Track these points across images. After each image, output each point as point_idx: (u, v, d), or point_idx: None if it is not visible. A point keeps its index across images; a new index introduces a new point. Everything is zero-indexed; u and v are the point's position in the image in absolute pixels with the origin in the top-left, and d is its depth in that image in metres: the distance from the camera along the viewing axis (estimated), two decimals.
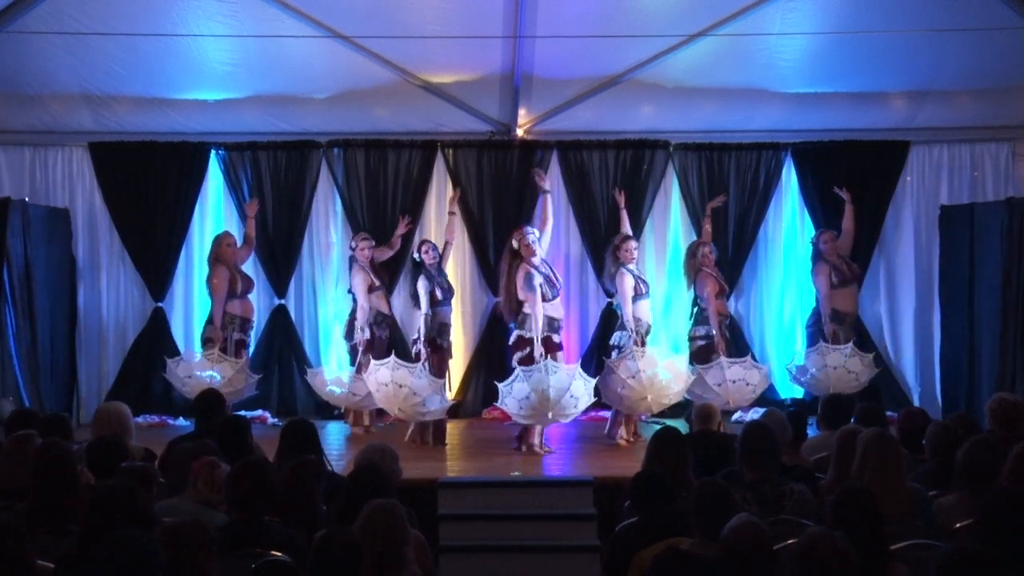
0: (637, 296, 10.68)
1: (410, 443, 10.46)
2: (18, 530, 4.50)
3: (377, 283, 11.31)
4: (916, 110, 12.41)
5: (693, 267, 11.51)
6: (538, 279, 10.12)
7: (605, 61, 11.80)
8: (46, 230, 11.68)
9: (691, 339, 11.50)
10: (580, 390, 9.82)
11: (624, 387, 10.33)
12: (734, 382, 10.62)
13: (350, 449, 10.19)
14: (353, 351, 11.29)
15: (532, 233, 10.32)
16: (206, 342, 11.37)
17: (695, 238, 12.31)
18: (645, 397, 10.33)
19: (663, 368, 10.43)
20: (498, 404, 10.20)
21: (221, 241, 11.58)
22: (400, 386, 10.08)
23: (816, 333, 11.66)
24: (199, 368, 11.13)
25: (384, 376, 10.15)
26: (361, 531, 4.79)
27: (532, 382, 9.68)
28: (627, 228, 11.18)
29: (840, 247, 11.75)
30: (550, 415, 9.78)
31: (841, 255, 11.72)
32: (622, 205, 11.28)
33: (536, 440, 10.21)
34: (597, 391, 10.22)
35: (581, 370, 10.06)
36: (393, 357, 10.39)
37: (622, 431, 10.75)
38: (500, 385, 9.92)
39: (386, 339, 11.46)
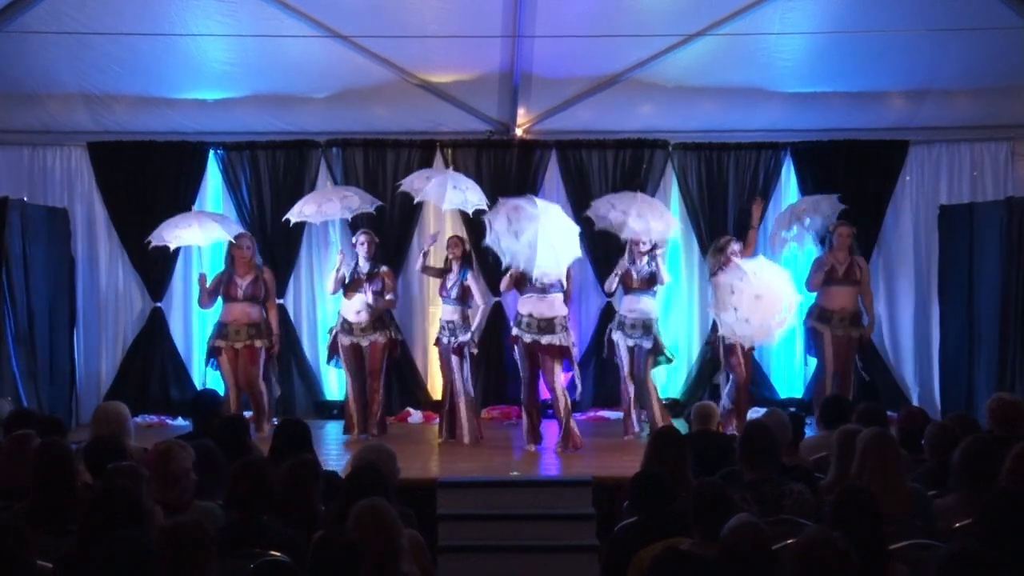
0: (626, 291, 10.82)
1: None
2: (18, 530, 4.49)
3: (364, 287, 10.83)
4: (915, 109, 12.37)
5: (718, 263, 10.97)
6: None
7: (604, 60, 11.78)
8: (44, 230, 11.61)
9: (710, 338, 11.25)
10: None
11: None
12: (769, 281, 10.00)
13: (348, 450, 10.15)
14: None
15: None
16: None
17: (695, 238, 12.37)
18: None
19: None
20: (487, 242, 9.91)
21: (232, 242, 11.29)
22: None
23: (810, 331, 11.57)
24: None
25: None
26: (354, 533, 4.76)
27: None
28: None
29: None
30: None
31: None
32: (756, 215, 11.22)
33: (531, 438, 10.31)
34: None
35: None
36: None
37: (635, 424, 10.86)
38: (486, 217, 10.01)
39: (348, 346, 10.85)
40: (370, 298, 10.68)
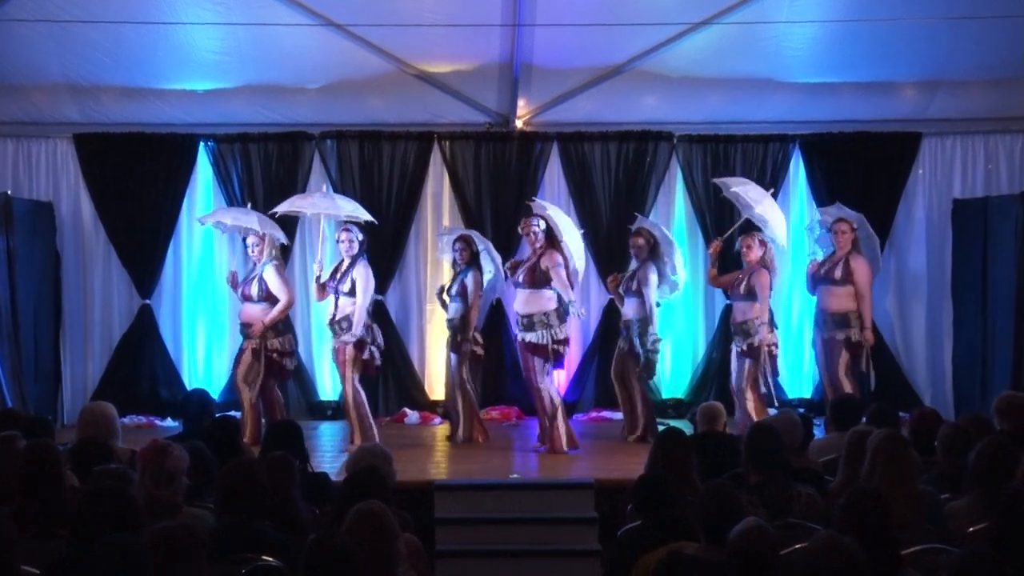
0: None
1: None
2: (8, 535, 4.43)
3: (328, 285, 10.30)
4: (928, 101, 12.23)
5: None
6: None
7: (607, 50, 11.64)
8: (30, 224, 11.52)
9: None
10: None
11: None
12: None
13: (343, 452, 10.01)
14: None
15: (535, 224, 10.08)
16: None
17: (699, 232, 12.24)
18: None
19: None
20: None
21: None
22: None
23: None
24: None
25: None
26: (350, 536, 4.65)
27: None
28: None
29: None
30: None
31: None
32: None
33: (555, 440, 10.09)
34: None
35: None
36: None
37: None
38: None
39: (337, 348, 10.23)
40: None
